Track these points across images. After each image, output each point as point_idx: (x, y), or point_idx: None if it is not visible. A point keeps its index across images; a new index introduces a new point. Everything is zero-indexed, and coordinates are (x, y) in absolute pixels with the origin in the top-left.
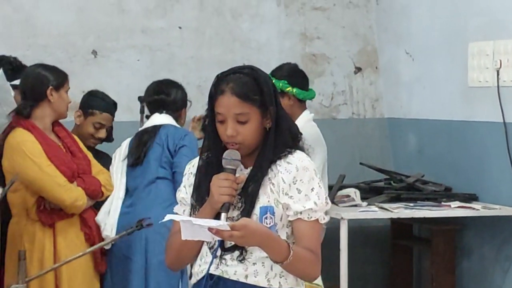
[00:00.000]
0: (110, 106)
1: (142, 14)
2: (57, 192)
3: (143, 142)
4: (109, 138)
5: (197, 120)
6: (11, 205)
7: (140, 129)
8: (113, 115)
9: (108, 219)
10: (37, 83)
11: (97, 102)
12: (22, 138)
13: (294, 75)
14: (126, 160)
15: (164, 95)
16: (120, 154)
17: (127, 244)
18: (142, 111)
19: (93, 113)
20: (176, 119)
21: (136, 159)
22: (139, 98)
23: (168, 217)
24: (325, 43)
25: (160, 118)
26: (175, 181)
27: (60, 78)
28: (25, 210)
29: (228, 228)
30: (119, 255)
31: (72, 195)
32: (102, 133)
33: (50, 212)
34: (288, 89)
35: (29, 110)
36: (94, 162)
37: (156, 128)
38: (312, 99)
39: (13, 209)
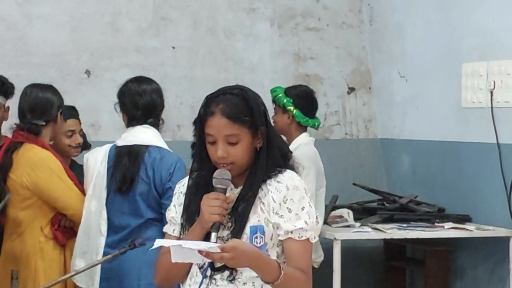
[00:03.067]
0: (70, 112)
1: (136, 34)
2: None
3: (127, 168)
4: (85, 144)
5: None
6: (16, 222)
7: (122, 144)
8: (78, 118)
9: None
10: (50, 103)
11: None
12: (45, 153)
13: (302, 98)
14: (105, 187)
15: (155, 96)
16: (94, 166)
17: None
18: None
19: None
20: (158, 124)
21: (119, 187)
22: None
23: (158, 242)
24: (318, 64)
25: (145, 135)
26: None
27: (63, 102)
28: (39, 227)
29: (218, 250)
30: None
31: None
32: (78, 139)
33: (63, 231)
34: (289, 107)
35: (41, 128)
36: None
37: (141, 152)
38: (314, 128)
39: (19, 227)
